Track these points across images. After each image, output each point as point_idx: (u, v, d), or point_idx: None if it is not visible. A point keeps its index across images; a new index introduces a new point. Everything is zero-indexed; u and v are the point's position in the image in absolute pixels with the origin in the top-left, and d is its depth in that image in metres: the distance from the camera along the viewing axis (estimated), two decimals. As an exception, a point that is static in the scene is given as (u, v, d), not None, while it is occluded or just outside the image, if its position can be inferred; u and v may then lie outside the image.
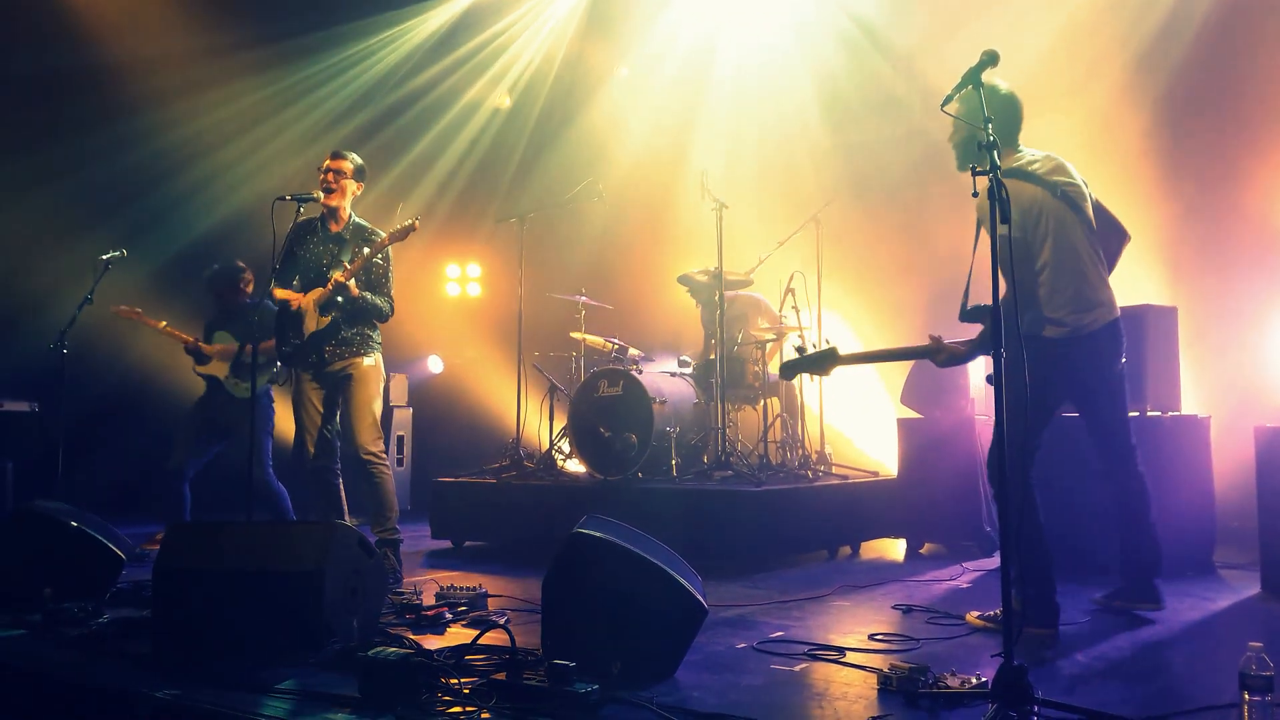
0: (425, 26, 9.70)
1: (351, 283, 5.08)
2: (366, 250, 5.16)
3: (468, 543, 6.74)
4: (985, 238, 3.82)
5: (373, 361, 5.26)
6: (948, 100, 3.09)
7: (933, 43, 7.47)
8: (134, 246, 6.63)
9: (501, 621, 3.91)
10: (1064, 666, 3.42)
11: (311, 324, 5.17)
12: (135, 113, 8.72)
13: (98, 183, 8.64)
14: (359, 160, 5.38)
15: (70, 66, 8.41)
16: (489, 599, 4.49)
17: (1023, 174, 3.93)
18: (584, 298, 7.57)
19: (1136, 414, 5.17)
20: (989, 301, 3.74)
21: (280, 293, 5.25)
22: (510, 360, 7.56)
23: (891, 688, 3.01)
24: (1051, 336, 3.92)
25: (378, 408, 5.24)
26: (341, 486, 5.36)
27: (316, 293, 5.18)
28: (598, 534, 3.32)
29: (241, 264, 6.68)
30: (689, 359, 7.42)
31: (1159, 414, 5.34)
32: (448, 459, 8.87)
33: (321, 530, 3.59)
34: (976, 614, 4.10)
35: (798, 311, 6.87)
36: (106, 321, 6.40)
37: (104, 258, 6.36)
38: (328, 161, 5.32)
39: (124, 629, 3.79)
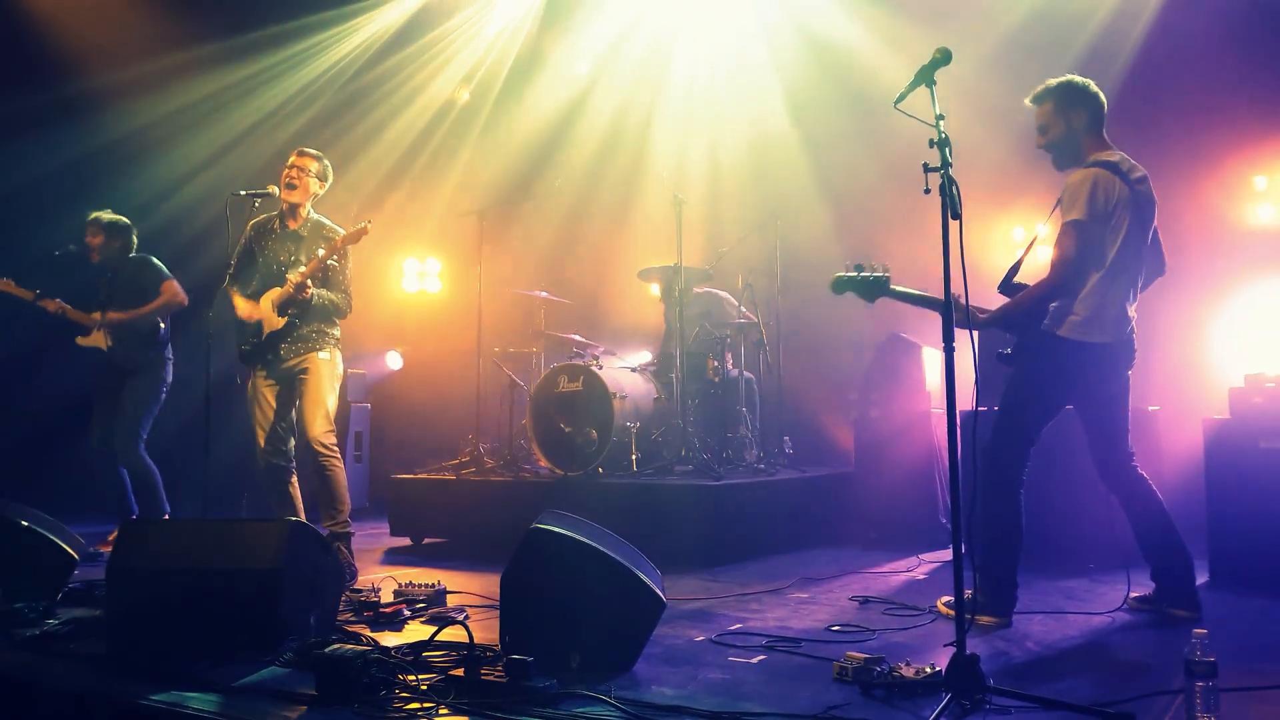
0: (383, 19, 9.63)
1: (309, 284, 5.05)
2: (321, 252, 5.12)
3: (426, 539, 6.72)
4: (1057, 217, 3.92)
5: (328, 356, 5.23)
6: (900, 99, 3.12)
7: (893, 40, 7.54)
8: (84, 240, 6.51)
9: (460, 618, 3.92)
10: (1016, 655, 3.49)
11: (270, 324, 5.14)
12: (88, 106, 8.57)
13: (51, 176, 8.49)
14: (325, 161, 5.36)
15: (21, 58, 8.26)
16: (448, 595, 4.48)
17: (1111, 166, 3.90)
18: (545, 293, 7.56)
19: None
20: (1034, 285, 3.92)
21: (239, 305, 5.22)
22: (470, 356, 7.52)
23: (847, 678, 3.05)
24: (1093, 341, 3.88)
25: (332, 402, 5.19)
26: (296, 484, 5.31)
27: (274, 293, 5.14)
28: (556, 529, 3.33)
29: (123, 218, 6.48)
30: (650, 349, 7.46)
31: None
32: (406, 455, 8.83)
33: (278, 528, 3.56)
34: (946, 599, 4.15)
35: (756, 307, 6.92)
36: (59, 318, 6.28)
37: (57, 253, 6.26)
38: (293, 158, 5.28)
39: (77, 629, 3.74)
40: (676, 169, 8.70)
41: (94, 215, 6.46)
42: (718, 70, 8.98)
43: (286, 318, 5.12)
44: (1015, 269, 4.06)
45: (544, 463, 6.70)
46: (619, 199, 9.12)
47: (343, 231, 5.21)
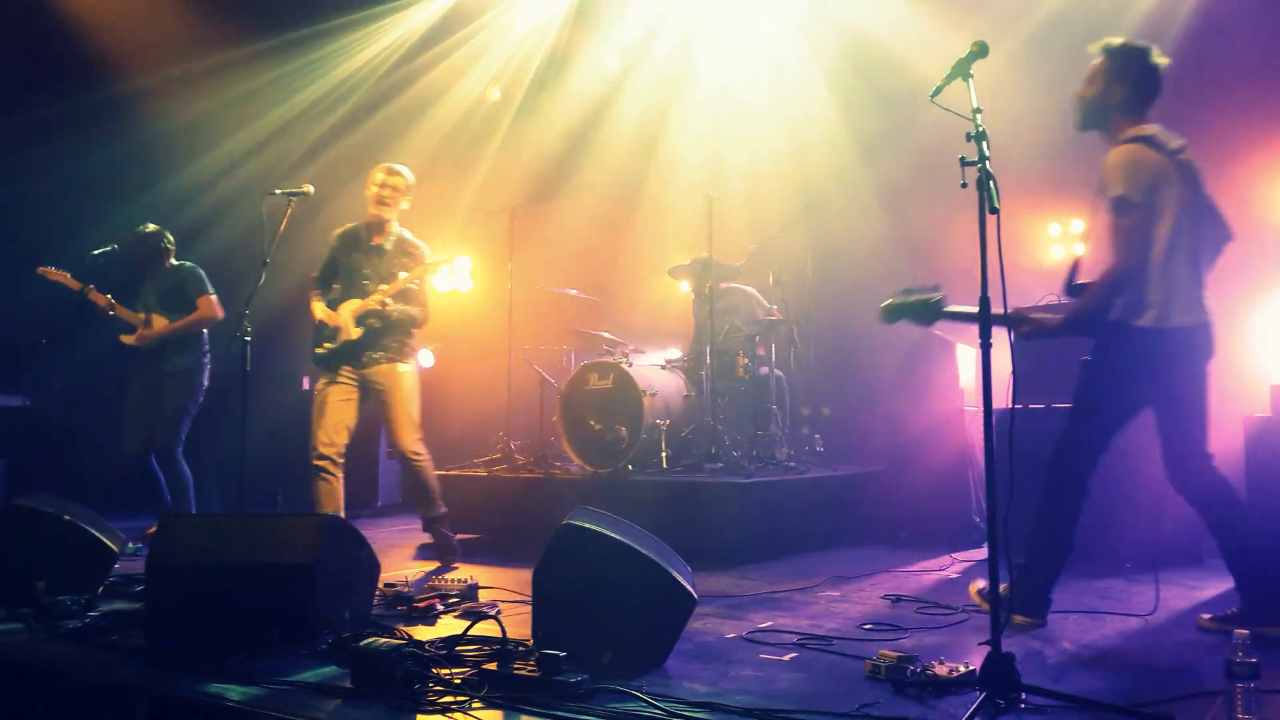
0: (414, 19, 9.69)
1: (388, 301, 5.34)
2: (404, 275, 5.38)
3: (459, 535, 6.73)
4: (1097, 204, 3.71)
5: (409, 368, 5.55)
6: (937, 92, 3.10)
7: (929, 36, 7.48)
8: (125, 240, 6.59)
9: (492, 612, 3.94)
10: (1051, 655, 3.46)
11: (346, 333, 5.38)
12: (124, 107, 8.70)
13: (88, 177, 8.62)
14: (411, 178, 5.61)
15: (59, 59, 8.39)
16: (480, 590, 4.51)
17: (1147, 140, 3.70)
18: (575, 291, 7.57)
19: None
20: (1097, 278, 3.65)
21: (316, 308, 5.48)
22: (501, 353, 7.55)
23: (880, 676, 3.04)
24: (1173, 326, 3.64)
25: (415, 410, 5.53)
26: (341, 483, 5.45)
27: (354, 304, 5.39)
28: (589, 525, 3.34)
29: (158, 229, 6.55)
30: (680, 346, 7.46)
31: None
32: (438, 452, 8.84)
33: (314, 523, 3.60)
34: (980, 585, 4.06)
35: (787, 304, 6.90)
36: (99, 315, 6.37)
37: (95, 253, 6.35)
38: (383, 176, 5.52)
39: (117, 622, 3.79)
40: (707, 165, 8.69)
41: (152, 231, 6.55)
42: (749, 65, 8.94)
43: (364, 329, 5.38)
44: (1076, 269, 3.83)
45: (575, 460, 6.72)
46: (649, 196, 9.11)
47: (424, 246, 5.56)
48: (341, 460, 5.44)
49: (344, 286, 5.49)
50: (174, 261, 6.53)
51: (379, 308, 5.33)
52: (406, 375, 5.51)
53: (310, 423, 5.45)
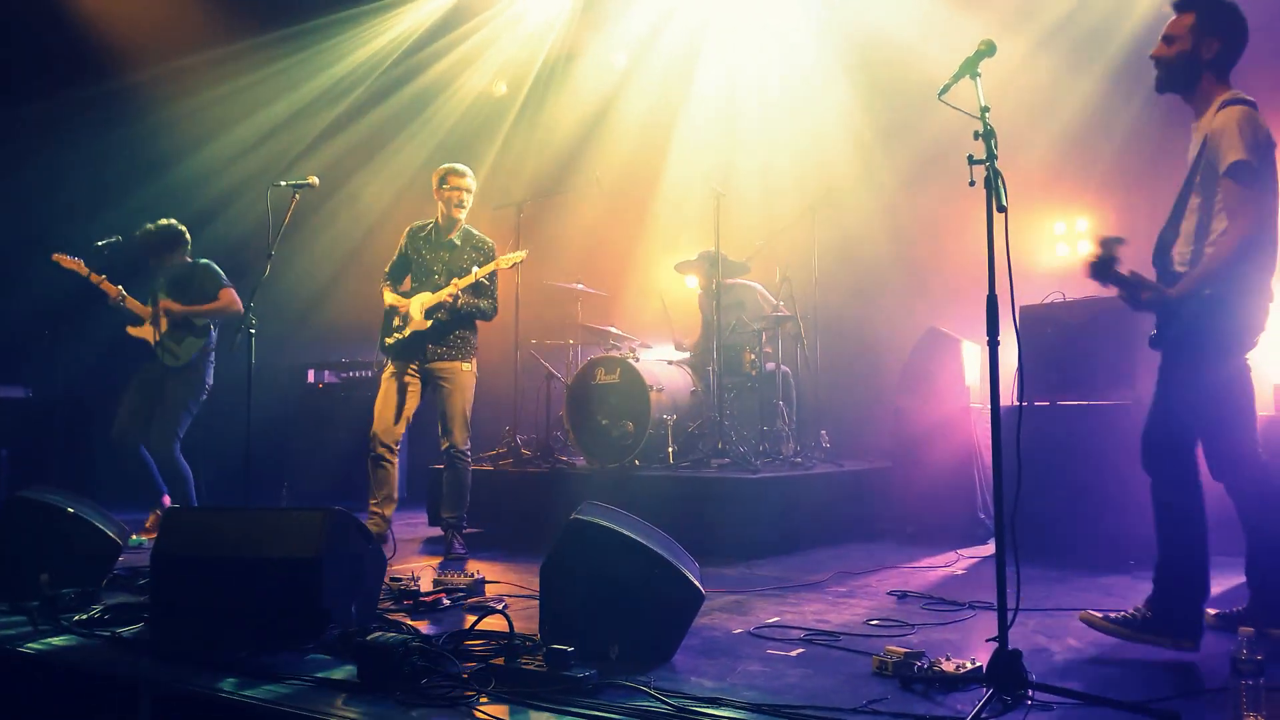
0: (420, 12, 9.69)
1: (460, 294, 5.55)
2: (476, 269, 5.60)
3: (466, 530, 6.75)
4: (1206, 175, 3.41)
5: (470, 366, 5.76)
6: (944, 90, 3.08)
7: (934, 34, 7.46)
8: (129, 231, 6.60)
9: (500, 607, 3.93)
10: (1058, 652, 3.45)
11: (415, 324, 5.60)
12: (133, 97, 8.72)
13: (88, 169, 8.63)
14: (474, 180, 5.86)
15: (66, 50, 8.40)
16: (487, 585, 4.51)
17: (1254, 105, 3.43)
18: (581, 285, 7.57)
19: (1129, 404, 5.21)
20: (1219, 247, 3.31)
21: (388, 297, 5.78)
22: (507, 347, 7.55)
23: (887, 672, 3.04)
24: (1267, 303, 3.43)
25: (469, 408, 5.72)
26: (396, 469, 5.73)
27: (425, 297, 5.61)
28: (596, 520, 3.34)
29: (177, 224, 6.56)
30: (686, 341, 7.46)
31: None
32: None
33: (320, 516, 3.59)
34: (1099, 615, 3.53)
35: (795, 301, 6.89)
36: (102, 307, 6.38)
37: (100, 244, 6.35)
38: (453, 179, 5.75)
39: (121, 615, 3.80)
40: (715, 161, 8.68)
41: (169, 224, 6.56)
42: (758, 60, 8.93)
43: (432, 321, 5.57)
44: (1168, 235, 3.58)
45: (581, 455, 6.72)
46: (656, 191, 9.11)
47: (490, 241, 5.84)
48: (398, 447, 5.71)
49: (416, 281, 5.75)
50: (189, 258, 6.53)
51: (449, 300, 5.52)
52: (468, 373, 5.73)
53: (372, 410, 5.70)
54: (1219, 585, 4.54)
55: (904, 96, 7.50)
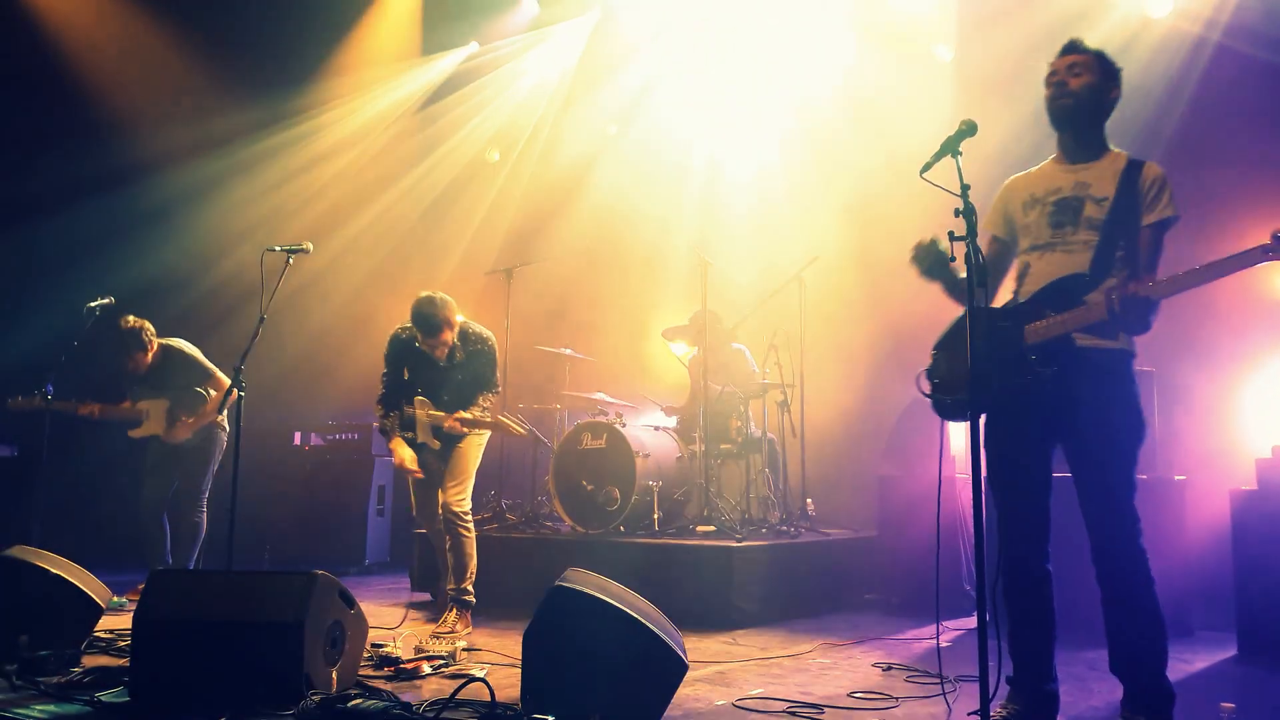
0: (415, 82, 9.91)
1: (455, 424, 5.31)
2: (505, 421, 5.33)
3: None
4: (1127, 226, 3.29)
5: (477, 435, 5.51)
6: (926, 168, 3.16)
7: (913, 108, 7.64)
8: (121, 294, 6.65)
9: (481, 675, 3.91)
10: (1041, 727, 3.44)
11: (423, 435, 5.40)
12: (127, 166, 8.83)
13: (83, 229, 8.70)
14: (446, 306, 5.35)
15: (65, 120, 8.55)
16: (468, 652, 4.48)
17: None
18: (569, 350, 7.62)
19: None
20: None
21: (398, 452, 5.40)
22: (494, 411, 7.56)
23: (870, 746, 3.03)
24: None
25: (473, 475, 5.49)
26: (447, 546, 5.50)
27: (436, 416, 5.35)
28: (579, 587, 3.34)
29: (136, 322, 6.53)
30: (673, 407, 7.49)
31: (1141, 476, 5.38)
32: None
33: (302, 581, 3.59)
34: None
35: (780, 368, 6.95)
36: (88, 369, 6.41)
37: (91, 305, 6.38)
38: (424, 336, 5.33)
39: (101, 678, 3.75)
40: (702, 228, 8.81)
41: (131, 326, 6.52)
42: (745, 133, 9.12)
43: (440, 443, 5.41)
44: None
45: (566, 520, 6.71)
46: (644, 258, 9.22)
47: (487, 336, 5.54)
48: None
49: (417, 379, 5.47)
50: (154, 341, 6.57)
51: (461, 430, 5.35)
52: (476, 439, 5.51)
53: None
54: (1206, 660, 4.56)
55: (895, 163, 7.64)
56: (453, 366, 5.47)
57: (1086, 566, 4.73)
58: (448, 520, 5.38)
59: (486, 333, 5.58)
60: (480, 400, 5.41)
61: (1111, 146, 3.51)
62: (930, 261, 3.50)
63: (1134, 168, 3.39)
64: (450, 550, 5.42)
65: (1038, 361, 3.30)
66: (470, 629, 5.29)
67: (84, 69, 8.66)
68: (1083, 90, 3.42)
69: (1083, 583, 5.12)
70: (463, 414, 5.30)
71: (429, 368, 5.46)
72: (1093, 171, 3.46)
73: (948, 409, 3.61)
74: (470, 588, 5.40)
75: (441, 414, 5.37)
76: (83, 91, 8.65)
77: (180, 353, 6.55)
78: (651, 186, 9.35)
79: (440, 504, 5.40)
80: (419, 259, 9.92)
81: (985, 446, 3.37)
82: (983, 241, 3.26)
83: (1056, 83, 3.46)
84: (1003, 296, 3.58)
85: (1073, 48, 3.51)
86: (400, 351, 5.52)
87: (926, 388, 3.63)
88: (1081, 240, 3.37)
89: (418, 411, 5.43)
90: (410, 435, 5.44)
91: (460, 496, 5.39)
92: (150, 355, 6.52)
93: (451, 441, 5.43)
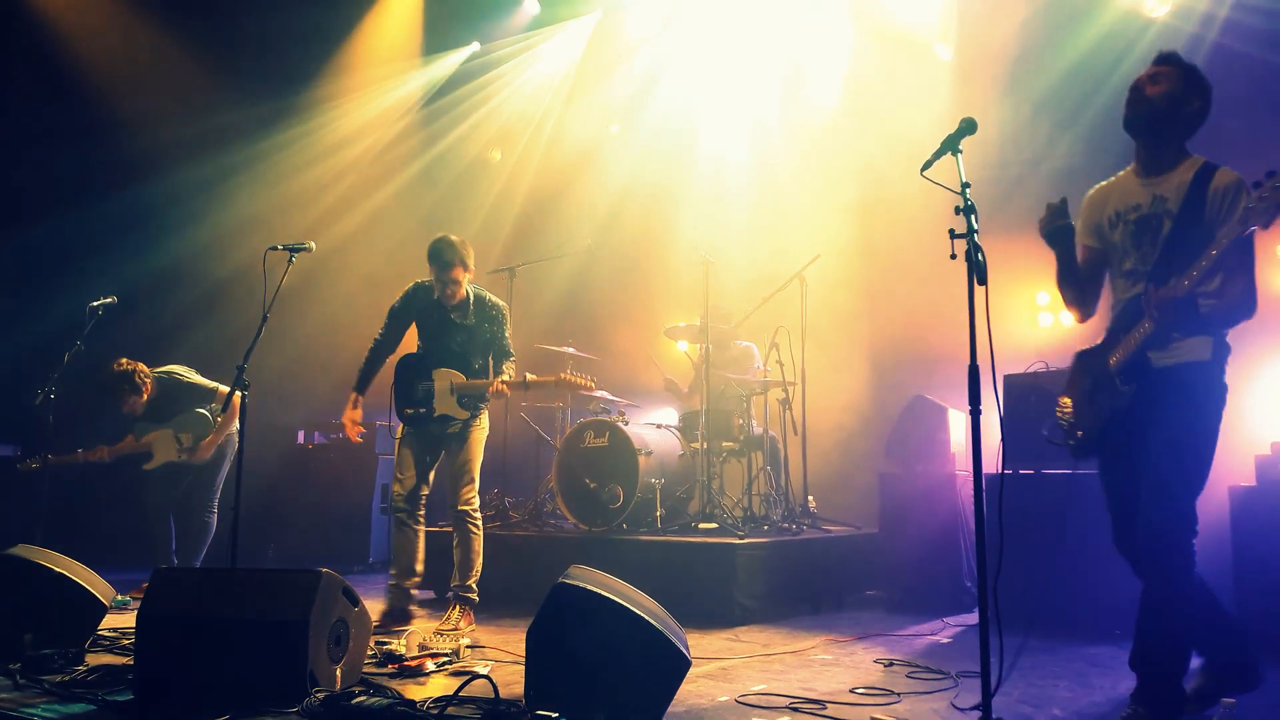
0: (419, 79, 9.92)
1: (503, 387, 5.32)
2: (530, 377, 5.35)
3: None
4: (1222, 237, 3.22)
5: (481, 421, 5.52)
6: (926, 166, 3.18)
7: (913, 109, 7.65)
8: (125, 292, 6.68)
9: (485, 672, 3.93)
10: (1042, 722, 3.46)
11: (443, 405, 5.40)
12: (129, 163, 8.84)
13: (88, 230, 8.72)
14: (459, 249, 5.43)
15: (69, 117, 8.57)
16: (473, 649, 4.49)
17: None
18: (572, 349, 7.64)
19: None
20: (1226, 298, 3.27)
21: (440, 374, 5.43)
22: (497, 410, 7.57)
23: (871, 741, 3.04)
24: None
25: (479, 467, 5.47)
26: (422, 535, 5.52)
27: (456, 380, 5.39)
28: (582, 585, 3.35)
29: (129, 365, 6.58)
30: (674, 380, 7.54)
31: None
32: (432, 507, 8.86)
33: (307, 579, 3.60)
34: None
35: (781, 366, 6.96)
36: (94, 368, 6.43)
37: (94, 304, 6.41)
38: (436, 271, 5.41)
39: (105, 677, 3.77)
40: (705, 226, 8.82)
41: (123, 370, 6.56)
42: (748, 128, 9.13)
43: (464, 406, 5.40)
44: None
45: (569, 518, 6.72)
46: (648, 256, 9.24)
47: (502, 305, 5.60)
48: (422, 509, 5.52)
49: (431, 355, 5.51)
50: (148, 378, 6.61)
51: (499, 389, 5.30)
52: (479, 428, 5.50)
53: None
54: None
55: (897, 163, 7.66)
56: (467, 326, 5.49)
57: (1091, 564, 4.78)
58: (458, 518, 5.39)
59: (501, 301, 5.65)
60: (507, 368, 5.45)
61: (1191, 154, 3.49)
62: (1054, 225, 3.56)
63: (1204, 175, 3.38)
64: (458, 547, 5.42)
65: (1121, 382, 3.45)
66: (474, 626, 5.30)
67: (88, 67, 8.68)
68: (1158, 98, 3.42)
69: (1087, 580, 5.17)
70: (511, 376, 5.34)
71: (442, 326, 5.48)
72: (1168, 183, 3.46)
73: (1077, 447, 3.67)
74: (474, 585, 5.41)
75: (483, 381, 5.38)
76: (87, 89, 8.66)
77: (176, 383, 6.60)
78: (653, 185, 9.36)
79: (454, 500, 5.41)
80: (422, 257, 9.89)
81: (1100, 478, 3.65)
82: (1078, 251, 3.62)
83: (1133, 88, 3.50)
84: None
85: (1161, 59, 3.53)
86: (410, 301, 5.58)
87: (1059, 437, 3.70)
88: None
89: (438, 384, 5.40)
90: (422, 411, 5.41)
91: (471, 494, 5.41)
92: (146, 394, 6.58)
93: (464, 431, 5.42)
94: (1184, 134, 3.49)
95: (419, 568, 5.47)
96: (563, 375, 5.42)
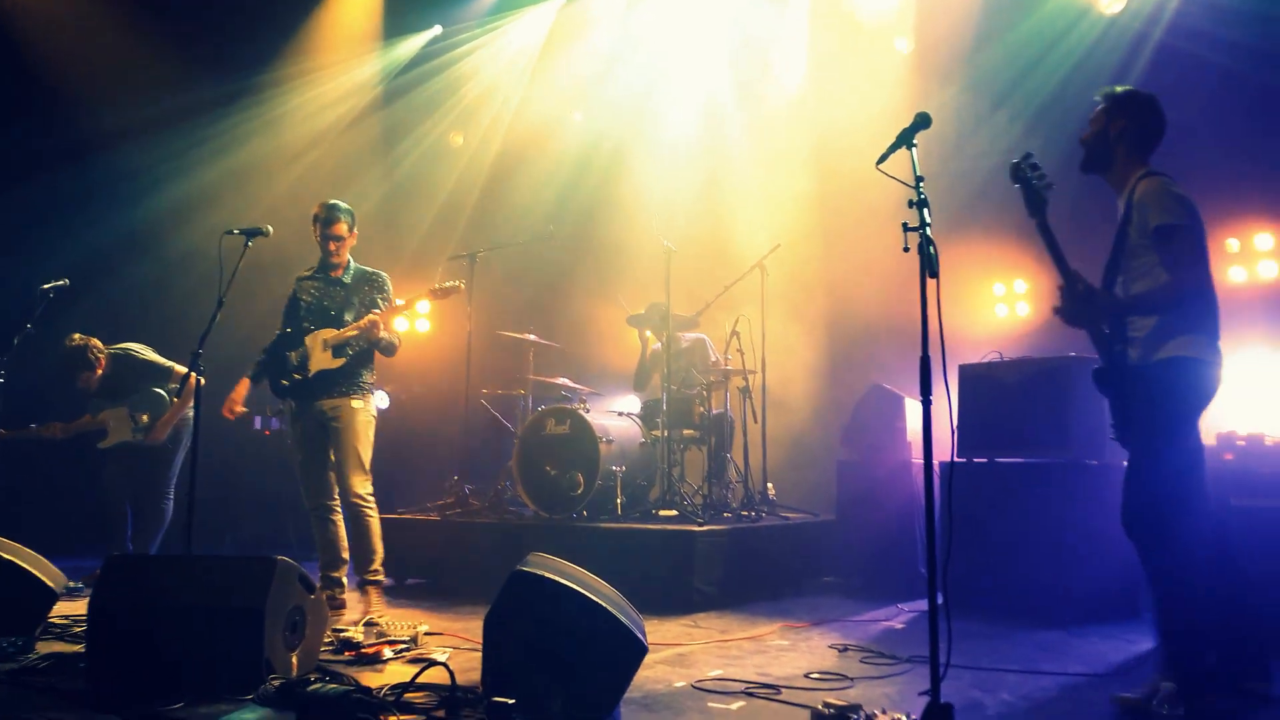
0: (379, 62, 9.82)
1: (380, 324, 5.33)
2: (399, 302, 5.45)
3: (410, 580, 6.71)
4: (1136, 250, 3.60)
5: (361, 404, 5.45)
6: (882, 159, 3.22)
7: (868, 100, 7.72)
8: (79, 268, 6.59)
9: (443, 659, 3.94)
10: (991, 706, 3.53)
11: (319, 362, 5.36)
12: (81, 141, 8.68)
13: (36, 204, 8.57)
14: (349, 212, 5.56)
15: (18, 93, 8.40)
16: (430, 636, 4.50)
17: (1169, 176, 3.68)
18: (533, 336, 7.63)
19: (1064, 462, 5.35)
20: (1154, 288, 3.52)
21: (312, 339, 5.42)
22: (458, 397, 7.56)
23: (824, 725, 3.09)
24: (1214, 362, 3.64)
25: (366, 452, 5.41)
26: (341, 526, 5.50)
27: (327, 333, 5.37)
28: (540, 572, 3.37)
29: (81, 340, 6.54)
30: (637, 399, 7.53)
31: (1091, 461, 5.49)
32: (391, 495, 8.83)
33: (262, 566, 3.58)
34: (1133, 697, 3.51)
35: (742, 355, 7.00)
36: (44, 351, 6.32)
37: (45, 287, 6.30)
38: (322, 228, 5.46)
39: (57, 665, 3.74)
40: (666, 215, 8.83)
41: (76, 345, 6.49)
42: (707, 115, 9.15)
43: (342, 360, 5.35)
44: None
45: (529, 505, 6.72)
46: (610, 243, 9.23)
47: (385, 275, 5.59)
48: (334, 502, 5.47)
49: (310, 321, 5.47)
50: (102, 353, 6.55)
51: (373, 326, 5.28)
52: (360, 412, 5.42)
53: (292, 469, 5.57)
54: (1152, 641, 4.67)
55: (856, 154, 7.71)
56: (344, 284, 5.50)
57: (1043, 551, 4.87)
58: (352, 506, 5.35)
59: (383, 273, 5.65)
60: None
61: (1142, 168, 3.75)
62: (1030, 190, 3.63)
63: (1134, 189, 3.68)
64: (357, 536, 5.40)
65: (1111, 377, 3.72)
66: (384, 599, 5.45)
67: (38, 43, 8.49)
68: (1089, 141, 3.85)
69: (1039, 567, 5.26)
70: (373, 316, 5.33)
71: (321, 289, 5.50)
72: (1122, 199, 3.75)
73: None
74: (380, 567, 5.44)
75: (353, 326, 5.34)
76: (37, 66, 8.48)
77: (132, 359, 6.52)
78: (615, 172, 9.35)
79: (339, 491, 5.39)
80: (380, 242, 9.82)
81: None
82: None
83: (1080, 142, 3.90)
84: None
85: (1094, 105, 3.87)
86: (294, 291, 5.59)
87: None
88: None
89: (311, 345, 5.38)
90: (297, 376, 5.38)
91: (361, 479, 5.36)
92: (100, 370, 6.50)
93: (346, 417, 5.37)
94: (1127, 152, 3.77)
95: (345, 555, 5.49)
96: (434, 286, 5.38)
